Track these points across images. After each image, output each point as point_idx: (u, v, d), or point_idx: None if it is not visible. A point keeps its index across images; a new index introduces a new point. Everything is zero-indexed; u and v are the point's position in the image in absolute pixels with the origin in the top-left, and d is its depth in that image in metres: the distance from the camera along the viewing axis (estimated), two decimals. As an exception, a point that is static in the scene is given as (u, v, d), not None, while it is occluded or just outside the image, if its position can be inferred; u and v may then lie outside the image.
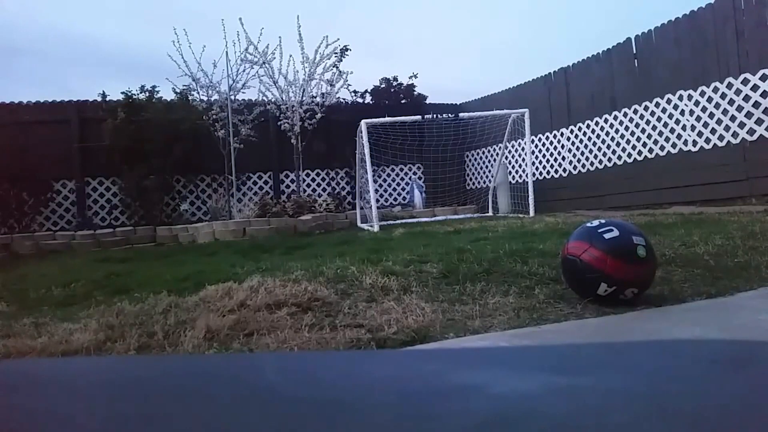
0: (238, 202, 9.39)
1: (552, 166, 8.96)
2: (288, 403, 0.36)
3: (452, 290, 1.91)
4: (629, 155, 7.57)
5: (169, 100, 9.08)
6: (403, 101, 10.54)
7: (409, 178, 10.82)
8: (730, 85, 6.23)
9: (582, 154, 8.38)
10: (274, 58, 9.13)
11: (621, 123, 7.66)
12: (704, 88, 6.51)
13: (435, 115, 7.47)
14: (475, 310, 1.56)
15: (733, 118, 6.21)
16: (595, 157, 8.13)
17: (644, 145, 7.32)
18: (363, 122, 6.84)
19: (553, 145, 8.92)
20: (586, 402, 0.33)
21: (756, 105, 5.95)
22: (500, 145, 8.75)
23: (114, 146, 8.45)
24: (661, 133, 7.09)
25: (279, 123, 9.32)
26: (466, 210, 8.99)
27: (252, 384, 0.42)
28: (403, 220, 7.65)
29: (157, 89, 9.03)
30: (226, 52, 9.16)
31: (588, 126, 8.22)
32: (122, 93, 8.82)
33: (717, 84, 6.36)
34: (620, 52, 7.71)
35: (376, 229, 6.14)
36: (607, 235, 1.95)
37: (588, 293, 1.94)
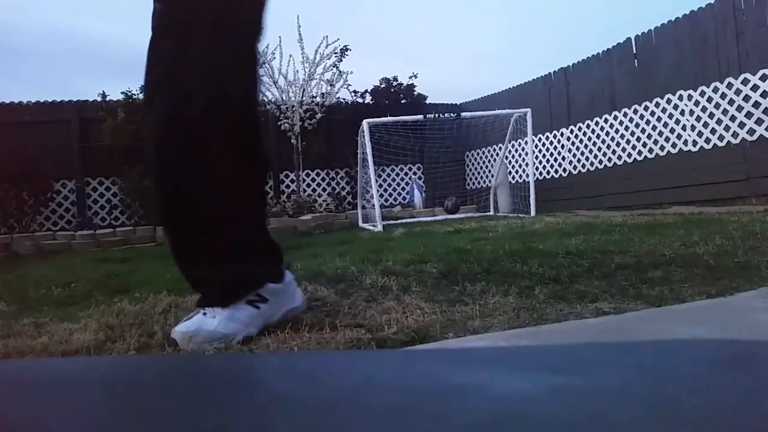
0: (238, 202, 9.37)
1: (552, 166, 8.96)
2: (288, 403, 0.36)
3: (452, 290, 1.91)
4: (629, 155, 7.57)
5: (169, 100, 9.06)
6: (403, 101, 10.54)
7: (409, 178, 10.82)
8: (730, 85, 6.23)
9: (582, 154, 8.38)
10: (274, 58, 9.14)
11: (621, 123, 7.66)
12: (704, 88, 6.52)
13: (437, 115, 7.45)
14: (475, 310, 1.56)
15: (733, 118, 6.21)
16: (595, 157, 8.13)
17: (644, 145, 7.32)
18: (365, 122, 6.83)
19: (553, 145, 8.92)
20: (585, 402, 0.33)
21: (756, 105, 5.96)
22: (500, 144, 8.74)
23: (114, 146, 8.45)
24: (661, 133, 7.09)
25: (279, 123, 9.31)
26: (466, 210, 8.99)
27: (252, 384, 0.42)
28: (403, 220, 7.65)
29: (157, 89, 9.01)
30: (226, 52, 9.14)
31: (588, 126, 8.23)
32: (122, 93, 8.82)
33: (717, 84, 6.37)
34: (620, 52, 7.71)
35: (379, 228, 6.14)
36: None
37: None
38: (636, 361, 0.42)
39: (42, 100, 9.15)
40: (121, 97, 8.82)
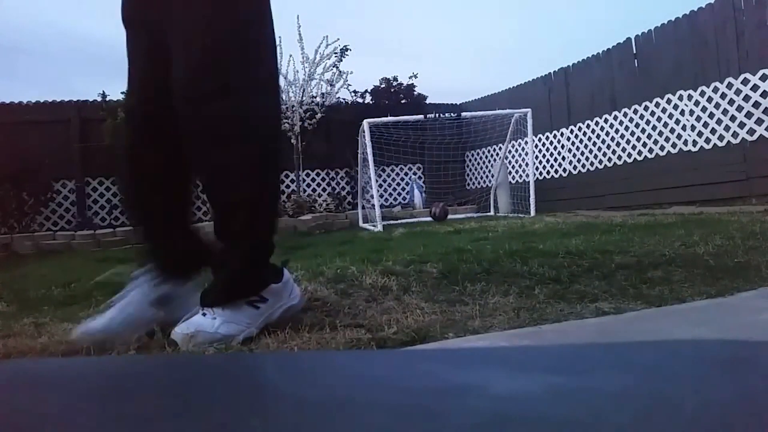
0: (238, 202, 9.37)
1: (552, 166, 8.97)
2: (288, 402, 0.36)
3: (452, 290, 1.91)
4: (629, 155, 7.57)
5: (169, 100, 9.05)
6: (403, 101, 10.54)
7: (409, 178, 10.82)
8: (730, 85, 6.23)
9: (582, 154, 8.38)
10: (274, 58, 9.12)
11: (621, 123, 7.66)
12: (704, 88, 6.52)
13: (438, 115, 7.45)
14: (475, 310, 1.56)
15: (733, 118, 6.21)
16: (595, 157, 8.13)
17: (644, 145, 7.33)
18: (365, 122, 6.83)
19: (553, 145, 8.92)
20: (585, 402, 0.33)
21: (756, 105, 5.96)
22: (500, 145, 8.74)
23: (114, 146, 8.45)
24: (661, 133, 7.09)
25: (279, 123, 9.31)
26: (466, 210, 8.98)
27: (252, 384, 0.42)
28: (403, 220, 7.65)
29: (157, 89, 9.01)
30: (226, 52, 9.13)
31: (588, 126, 8.23)
32: (122, 93, 8.80)
33: (717, 84, 6.37)
34: (620, 52, 7.72)
35: (379, 228, 6.13)
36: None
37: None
38: (636, 361, 0.42)
39: (42, 100, 9.15)
40: (121, 97, 8.81)
